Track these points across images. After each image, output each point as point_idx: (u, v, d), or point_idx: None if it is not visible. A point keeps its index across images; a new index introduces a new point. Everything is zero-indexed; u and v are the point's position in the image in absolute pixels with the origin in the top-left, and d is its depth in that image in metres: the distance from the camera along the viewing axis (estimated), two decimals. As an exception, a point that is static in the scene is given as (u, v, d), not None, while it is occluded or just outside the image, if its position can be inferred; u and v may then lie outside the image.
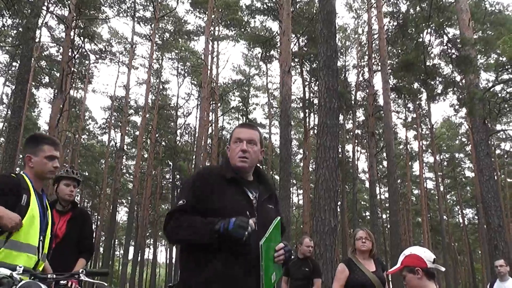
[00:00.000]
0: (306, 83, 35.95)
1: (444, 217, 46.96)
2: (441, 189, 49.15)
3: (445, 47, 22.70)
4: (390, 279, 5.49)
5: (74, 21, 27.46)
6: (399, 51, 29.01)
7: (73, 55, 26.99)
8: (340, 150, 33.86)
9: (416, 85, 29.35)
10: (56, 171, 3.37)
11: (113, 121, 47.34)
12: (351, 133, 40.90)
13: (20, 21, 26.83)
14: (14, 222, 2.93)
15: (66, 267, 3.44)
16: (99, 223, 50.29)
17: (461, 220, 56.23)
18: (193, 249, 2.69)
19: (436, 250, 48.55)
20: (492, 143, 38.99)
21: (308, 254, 7.93)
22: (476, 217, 47.69)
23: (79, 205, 5.14)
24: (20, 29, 26.83)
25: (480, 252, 54.30)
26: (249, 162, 2.87)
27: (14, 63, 37.20)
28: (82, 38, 30.81)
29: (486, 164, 16.27)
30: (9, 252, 2.93)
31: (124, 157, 46.07)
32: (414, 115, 43.98)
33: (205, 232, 2.57)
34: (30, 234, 3.03)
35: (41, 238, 3.16)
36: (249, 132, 2.93)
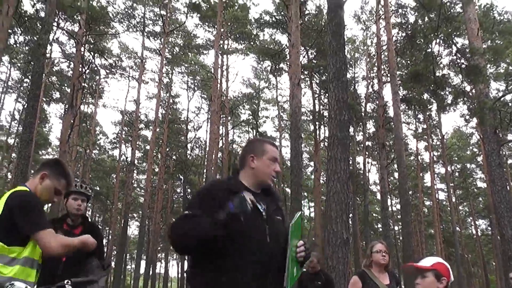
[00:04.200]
0: (316, 95, 35.97)
1: (457, 228, 46.62)
2: (453, 200, 48.81)
3: (454, 57, 22.64)
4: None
5: (85, 37, 27.70)
6: (408, 62, 29.01)
7: (84, 70, 27.22)
8: (351, 162, 33.78)
9: (426, 95, 29.32)
10: (50, 203, 3.39)
11: (123, 136, 47.55)
12: (362, 145, 40.79)
13: (31, 37, 27.09)
14: (94, 244, 3.10)
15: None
16: (110, 237, 50.37)
17: (474, 231, 55.83)
18: (202, 265, 2.68)
19: (450, 262, 48.14)
20: (504, 153, 38.76)
21: (311, 269, 7.93)
22: (489, 228, 47.36)
23: (90, 220, 5.14)
24: (32, 45, 27.06)
25: (494, 263, 53.81)
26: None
27: (25, 79, 37.52)
28: (92, 53, 31.10)
29: (498, 174, 16.17)
30: (23, 269, 2.90)
31: (135, 171, 46.19)
32: (425, 126, 43.85)
33: (206, 223, 2.55)
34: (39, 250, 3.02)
35: None
36: (278, 153, 3.06)
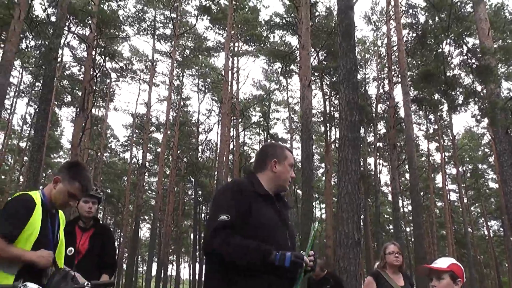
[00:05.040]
0: (327, 97, 35.89)
1: (469, 229, 46.34)
2: (465, 201, 48.57)
3: (465, 57, 22.54)
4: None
5: (95, 40, 27.83)
6: (419, 62, 28.85)
7: (95, 74, 27.31)
8: (362, 163, 33.69)
9: (436, 96, 29.11)
10: (67, 207, 3.35)
11: (134, 139, 47.70)
12: (373, 146, 40.64)
13: (42, 42, 27.24)
14: (49, 260, 2.97)
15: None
16: (122, 239, 50.54)
17: (486, 233, 55.51)
18: (225, 269, 2.68)
19: (462, 263, 47.29)
20: (516, 153, 38.50)
21: (315, 276, 7.93)
22: (502, 229, 47.05)
23: (101, 222, 5.19)
24: (43, 49, 27.22)
25: (507, 265, 53.48)
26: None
27: (37, 83, 37.75)
28: (103, 56, 31.19)
29: (510, 175, 16.06)
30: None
31: (146, 174, 46.30)
32: (436, 127, 43.66)
33: (258, 259, 2.60)
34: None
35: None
36: None
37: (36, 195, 3.13)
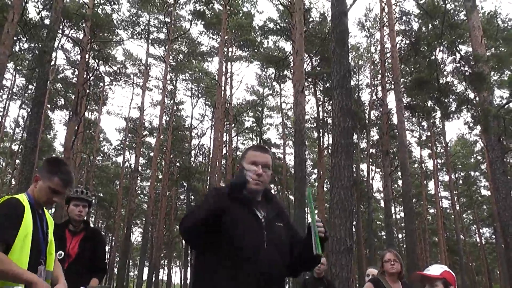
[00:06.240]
0: (320, 102, 35.94)
1: (461, 236, 46.45)
2: (457, 208, 48.71)
3: (458, 64, 22.57)
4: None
5: (89, 44, 27.77)
6: (412, 69, 28.91)
7: (88, 77, 27.23)
8: (354, 170, 33.68)
9: (429, 103, 29.17)
10: (53, 204, 3.29)
11: (127, 143, 47.62)
12: (366, 152, 40.67)
13: (36, 44, 27.18)
14: None
15: (79, 286, 3.44)
16: (113, 243, 50.40)
17: (478, 240, 55.65)
18: (201, 262, 2.75)
19: (454, 270, 47.89)
20: (508, 160, 38.65)
21: (317, 273, 7.87)
22: (494, 237, 47.17)
23: (92, 225, 5.16)
24: (37, 52, 27.15)
25: (498, 272, 53.56)
26: (262, 185, 2.93)
27: (30, 86, 37.64)
28: (97, 60, 31.14)
29: (502, 182, 16.10)
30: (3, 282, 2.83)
31: (139, 178, 46.22)
32: (429, 134, 43.74)
33: (210, 201, 2.69)
34: (23, 255, 2.92)
35: (43, 258, 3.09)
36: (264, 156, 2.97)
37: (23, 197, 3.09)
